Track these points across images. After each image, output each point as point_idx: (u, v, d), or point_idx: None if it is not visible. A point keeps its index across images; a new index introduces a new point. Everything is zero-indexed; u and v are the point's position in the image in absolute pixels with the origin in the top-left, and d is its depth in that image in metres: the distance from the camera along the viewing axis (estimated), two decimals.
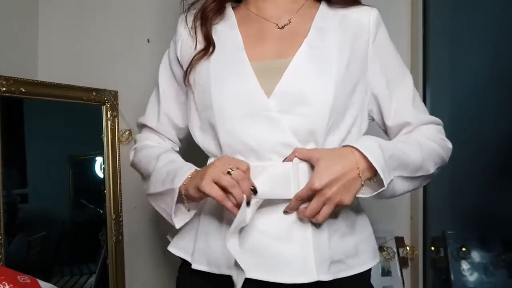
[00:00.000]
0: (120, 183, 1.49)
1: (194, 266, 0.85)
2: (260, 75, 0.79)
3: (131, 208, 1.53)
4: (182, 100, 0.95)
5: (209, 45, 0.86)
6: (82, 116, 1.48)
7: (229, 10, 0.91)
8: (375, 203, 0.95)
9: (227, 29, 0.87)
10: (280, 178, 0.76)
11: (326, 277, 0.78)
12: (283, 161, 0.78)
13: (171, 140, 1.02)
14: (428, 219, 1.51)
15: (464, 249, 1.48)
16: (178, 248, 0.93)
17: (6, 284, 0.83)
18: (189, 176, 0.81)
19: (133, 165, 1.01)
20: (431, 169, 0.87)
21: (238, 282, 0.73)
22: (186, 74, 0.88)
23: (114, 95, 1.50)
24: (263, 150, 0.79)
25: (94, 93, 1.45)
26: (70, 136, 1.44)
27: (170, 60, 0.98)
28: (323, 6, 0.88)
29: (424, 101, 1.52)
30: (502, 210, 1.50)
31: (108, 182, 1.46)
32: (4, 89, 1.24)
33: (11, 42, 1.40)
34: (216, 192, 0.75)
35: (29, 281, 0.88)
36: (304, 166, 0.77)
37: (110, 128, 1.48)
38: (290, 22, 0.86)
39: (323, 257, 0.78)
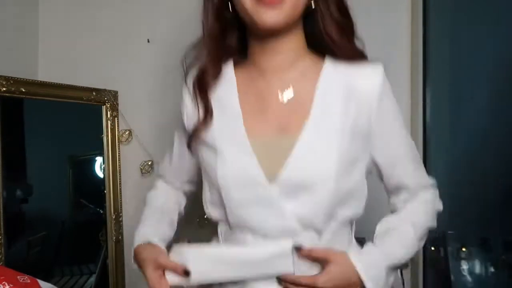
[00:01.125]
0: (120, 183, 1.49)
1: None
2: (262, 155, 0.78)
3: (131, 208, 1.53)
4: (192, 160, 0.95)
5: (208, 115, 0.84)
6: (82, 116, 1.48)
7: (230, 70, 0.87)
8: (376, 203, 0.95)
9: (228, 95, 0.84)
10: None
11: None
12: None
13: (180, 189, 1.06)
14: None
15: (464, 249, 1.48)
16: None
17: (6, 284, 0.84)
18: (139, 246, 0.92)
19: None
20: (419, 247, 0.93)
21: None
22: (190, 146, 0.88)
23: (114, 95, 1.50)
24: (270, 234, 0.79)
25: (94, 93, 1.45)
26: (70, 136, 1.44)
27: (181, 124, 0.95)
28: (326, 67, 0.83)
29: (424, 101, 1.52)
30: (502, 210, 1.50)
31: (108, 182, 1.46)
32: (4, 89, 1.24)
33: (11, 42, 1.40)
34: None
35: (29, 281, 0.88)
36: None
37: (110, 128, 1.48)
38: (292, 89, 0.82)
39: None
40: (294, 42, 0.82)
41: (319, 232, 0.80)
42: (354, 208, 0.84)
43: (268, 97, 0.82)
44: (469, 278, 1.48)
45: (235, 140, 0.80)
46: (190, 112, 0.88)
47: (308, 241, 0.79)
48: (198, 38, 0.88)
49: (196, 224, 1.41)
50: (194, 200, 1.05)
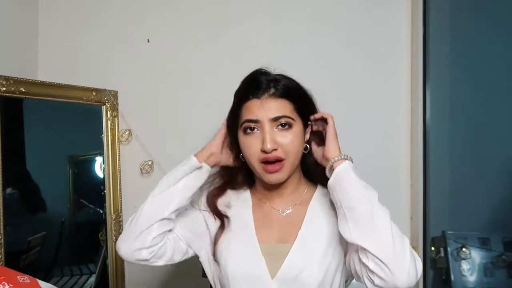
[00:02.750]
0: (120, 183, 1.49)
1: None
2: (267, 257, 0.95)
3: (131, 208, 1.53)
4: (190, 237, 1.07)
5: (225, 225, 1.03)
6: (82, 116, 1.48)
7: (247, 193, 1.07)
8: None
9: (245, 211, 1.03)
10: None
11: None
12: None
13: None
14: (428, 219, 1.51)
15: (464, 249, 1.48)
16: None
17: (6, 284, 0.84)
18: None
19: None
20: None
21: None
22: (214, 251, 1.02)
23: (114, 95, 1.50)
24: None
25: (94, 93, 1.45)
26: (70, 136, 1.44)
27: (196, 216, 1.07)
28: (317, 192, 1.03)
29: (424, 101, 1.52)
30: (502, 210, 1.50)
31: (108, 182, 1.46)
32: (4, 89, 1.24)
33: (11, 42, 1.41)
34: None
35: (29, 281, 0.88)
36: None
37: (110, 128, 1.48)
38: (291, 211, 1.01)
39: None
40: (294, 178, 1.02)
41: None
42: None
43: (272, 214, 1.02)
44: (469, 278, 1.48)
45: (248, 245, 0.97)
46: (209, 218, 1.04)
47: None
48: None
49: None
50: None
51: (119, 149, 1.49)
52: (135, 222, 0.99)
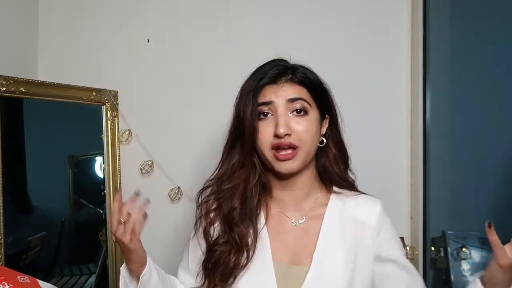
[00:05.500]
0: (120, 183, 1.49)
1: None
2: (280, 280, 0.89)
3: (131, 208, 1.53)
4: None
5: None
6: (82, 116, 1.48)
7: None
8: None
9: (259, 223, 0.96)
10: None
11: None
12: None
13: None
14: (428, 219, 1.51)
15: (464, 249, 1.48)
16: None
17: (6, 284, 0.84)
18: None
19: None
20: None
21: None
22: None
23: (114, 95, 1.50)
24: None
25: (94, 93, 1.45)
26: (70, 136, 1.44)
27: (197, 236, 1.01)
28: (332, 201, 0.96)
29: (424, 101, 1.52)
30: (502, 210, 1.50)
31: (108, 182, 1.46)
32: (4, 89, 1.24)
33: (11, 42, 1.40)
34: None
35: (29, 281, 0.88)
36: None
37: (110, 128, 1.48)
38: (305, 220, 0.95)
39: None
40: (308, 177, 0.95)
41: None
42: None
43: (286, 225, 0.95)
44: (469, 278, 1.48)
45: (262, 266, 0.90)
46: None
47: None
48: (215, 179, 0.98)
49: None
50: None
51: (119, 149, 1.49)
52: None
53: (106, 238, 1.46)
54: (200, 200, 0.98)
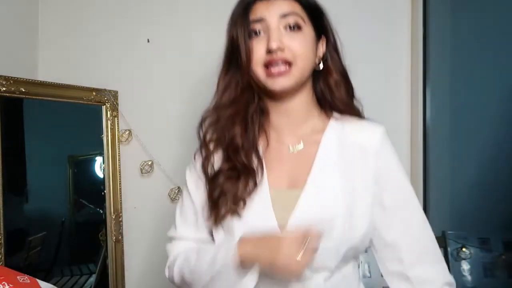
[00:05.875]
0: (120, 183, 1.49)
1: None
2: (276, 205, 0.85)
3: (131, 208, 1.53)
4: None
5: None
6: (82, 116, 1.48)
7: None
8: None
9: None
10: None
11: None
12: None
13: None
14: (428, 219, 1.51)
15: (464, 249, 1.48)
16: None
17: (6, 284, 0.83)
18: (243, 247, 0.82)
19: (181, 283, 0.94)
20: None
21: None
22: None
23: (114, 95, 1.50)
24: (280, 278, 0.83)
25: (94, 93, 1.45)
26: (70, 136, 1.44)
27: (196, 171, 0.98)
28: (330, 126, 0.91)
29: (424, 101, 1.52)
30: (502, 210, 1.50)
31: (108, 182, 1.46)
32: (4, 89, 1.24)
33: (11, 42, 1.40)
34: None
35: (29, 281, 0.88)
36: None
37: (110, 128, 1.48)
38: (302, 147, 0.91)
39: None
40: (305, 100, 0.91)
41: (328, 272, 0.84)
42: (356, 251, 0.87)
43: (282, 151, 0.91)
44: (469, 278, 1.48)
45: (260, 193, 0.87)
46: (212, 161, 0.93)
47: (320, 281, 0.83)
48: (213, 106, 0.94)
49: None
50: None
51: (119, 149, 1.49)
52: None
53: (106, 238, 1.46)
54: (202, 133, 0.94)
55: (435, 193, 1.51)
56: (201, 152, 0.94)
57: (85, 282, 1.42)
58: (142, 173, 1.53)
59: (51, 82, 1.37)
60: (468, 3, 1.56)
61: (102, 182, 1.47)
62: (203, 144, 0.93)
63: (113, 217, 1.47)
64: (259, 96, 0.92)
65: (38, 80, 1.36)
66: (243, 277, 0.81)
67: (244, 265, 0.80)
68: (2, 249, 1.20)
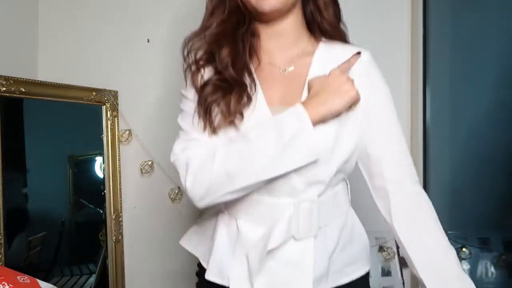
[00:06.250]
0: (120, 183, 1.49)
1: (207, 277, 0.91)
2: None
3: (131, 208, 1.53)
4: None
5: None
6: (82, 116, 1.48)
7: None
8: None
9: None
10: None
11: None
12: None
13: None
14: None
15: (464, 249, 1.48)
16: (191, 245, 1.01)
17: (6, 284, 0.84)
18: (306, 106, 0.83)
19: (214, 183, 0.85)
20: None
21: None
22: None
23: (114, 95, 1.50)
24: (276, 193, 0.86)
25: (94, 93, 1.45)
26: (70, 136, 1.44)
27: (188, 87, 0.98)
28: (320, 48, 0.94)
29: (424, 101, 1.52)
30: (502, 210, 1.50)
31: (108, 182, 1.46)
32: (4, 89, 1.24)
33: (11, 42, 1.40)
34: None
35: (29, 281, 0.88)
36: (305, 206, 0.85)
37: (110, 128, 1.48)
38: (292, 67, 0.92)
39: (321, 273, 0.86)
40: (294, 23, 0.92)
41: (322, 186, 0.86)
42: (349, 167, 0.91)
43: (274, 73, 0.92)
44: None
45: (259, 105, 0.87)
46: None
47: (314, 196, 0.86)
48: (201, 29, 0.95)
49: None
50: None
51: (119, 149, 1.49)
52: None
53: (106, 238, 1.46)
54: (186, 51, 0.95)
55: (435, 193, 1.51)
56: (190, 69, 0.95)
57: (85, 282, 1.42)
58: (142, 173, 1.53)
59: (51, 82, 1.37)
60: (468, 3, 1.56)
61: (102, 182, 1.47)
62: (193, 62, 0.94)
63: (113, 217, 1.47)
64: (249, 20, 0.92)
65: (38, 80, 1.36)
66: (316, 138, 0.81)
67: (315, 122, 0.81)
68: (2, 249, 1.20)
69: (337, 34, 0.96)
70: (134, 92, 1.54)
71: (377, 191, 0.91)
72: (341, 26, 0.98)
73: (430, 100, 1.52)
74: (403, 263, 1.50)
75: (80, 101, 1.43)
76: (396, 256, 1.49)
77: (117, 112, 1.50)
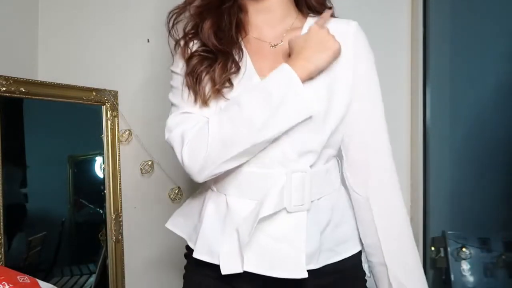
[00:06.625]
0: (120, 183, 1.49)
1: (196, 255, 0.90)
2: None
3: (131, 208, 1.53)
4: None
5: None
6: (82, 116, 1.48)
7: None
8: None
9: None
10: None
11: (315, 266, 0.86)
12: None
13: None
14: (428, 219, 1.51)
15: (464, 249, 1.48)
16: (177, 227, 1.00)
17: (6, 284, 0.84)
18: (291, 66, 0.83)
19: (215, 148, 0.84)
20: None
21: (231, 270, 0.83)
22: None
23: (114, 95, 1.50)
24: (268, 164, 0.86)
25: (94, 93, 1.45)
26: (70, 136, 1.44)
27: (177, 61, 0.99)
28: (308, 23, 0.95)
29: (424, 101, 1.52)
30: (502, 210, 1.50)
31: (108, 182, 1.46)
32: (4, 89, 1.24)
33: (11, 42, 1.40)
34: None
35: (29, 281, 0.88)
36: (297, 177, 0.85)
37: (110, 128, 1.48)
38: (281, 42, 0.94)
39: (313, 249, 0.86)
40: (283, 0, 0.94)
41: (314, 156, 0.87)
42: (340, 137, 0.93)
43: (263, 48, 0.94)
44: (469, 278, 1.48)
45: (249, 76, 0.88)
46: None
47: (306, 167, 0.86)
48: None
49: None
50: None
51: (119, 149, 1.49)
52: None
53: (106, 238, 1.46)
54: (171, 23, 0.95)
55: (435, 193, 1.52)
56: (179, 44, 0.94)
57: (85, 282, 1.42)
58: (142, 173, 1.53)
59: (51, 82, 1.37)
60: (468, 3, 1.56)
61: (102, 182, 1.47)
62: (182, 36, 0.93)
63: (113, 217, 1.47)
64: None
65: (38, 80, 1.36)
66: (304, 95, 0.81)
67: (303, 78, 0.82)
68: (2, 249, 1.20)
69: (323, 9, 0.97)
70: (134, 92, 1.54)
71: (354, 162, 0.93)
72: (327, 2, 1.01)
73: (430, 100, 1.52)
74: None
75: (80, 101, 1.43)
76: None
77: (117, 112, 1.50)
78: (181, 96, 0.90)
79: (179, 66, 0.93)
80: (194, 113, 0.88)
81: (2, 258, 1.20)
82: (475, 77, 1.52)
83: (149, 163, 1.53)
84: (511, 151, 1.49)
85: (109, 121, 1.48)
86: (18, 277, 0.88)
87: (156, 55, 1.55)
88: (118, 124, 1.50)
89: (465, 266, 1.48)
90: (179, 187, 1.54)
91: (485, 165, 1.52)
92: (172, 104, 0.94)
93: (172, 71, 0.96)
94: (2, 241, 1.20)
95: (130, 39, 1.55)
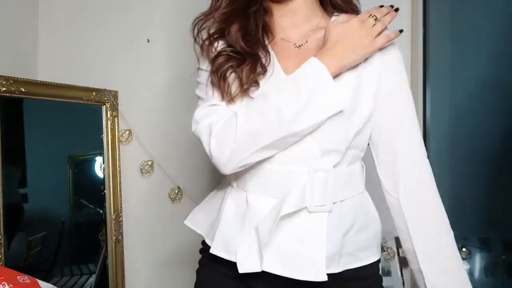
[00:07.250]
0: (120, 183, 1.49)
1: (213, 251, 0.89)
2: None
3: (131, 208, 1.53)
4: None
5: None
6: (82, 116, 1.48)
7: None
8: (375, 203, 0.96)
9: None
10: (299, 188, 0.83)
11: (335, 270, 0.84)
12: None
13: None
14: None
15: (464, 249, 1.48)
16: (195, 224, 0.99)
17: (6, 284, 0.84)
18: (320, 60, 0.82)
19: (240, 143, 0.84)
20: None
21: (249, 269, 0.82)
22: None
23: (114, 95, 1.50)
24: (290, 161, 0.85)
25: (94, 93, 1.45)
26: (70, 136, 1.44)
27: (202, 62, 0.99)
28: (334, 19, 0.94)
29: (424, 101, 1.52)
30: (502, 210, 1.50)
31: (108, 182, 1.46)
32: (4, 89, 1.24)
33: (11, 42, 1.40)
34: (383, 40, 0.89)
35: (29, 281, 0.88)
36: (320, 176, 0.83)
37: (110, 128, 1.48)
38: (306, 42, 0.93)
39: (334, 252, 0.84)
40: (306, 0, 0.93)
41: (338, 156, 0.86)
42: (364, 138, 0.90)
43: (288, 47, 0.93)
44: (469, 278, 1.48)
45: (277, 75, 0.87)
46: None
47: (329, 166, 0.84)
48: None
49: None
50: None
51: (119, 149, 1.49)
52: None
53: (106, 238, 1.46)
54: (196, 30, 0.94)
55: None
56: (203, 46, 0.93)
57: (85, 282, 1.42)
58: (142, 173, 1.53)
59: (51, 82, 1.37)
60: (468, 2, 1.56)
61: (102, 182, 1.47)
62: (207, 37, 0.92)
63: (113, 217, 1.47)
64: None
65: (38, 80, 1.36)
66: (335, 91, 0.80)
67: (332, 74, 0.81)
68: (2, 249, 1.20)
69: (349, 8, 0.96)
70: (134, 92, 1.54)
71: (384, 164, 0.91)
72: (353, 0, 0.98)
73: (430, 100, 1.52)
74: (403, 263, 1.50)
75: (80, 101, 1.43)
76: (396, 256, 1.49)
77: (117, 112, 1.50)
78: (206, 91, 0.91)
79: (205, 64, 0.93)
80: (221, 106, 0.88)
81: (2, 258, 1.20)
82: (475, 77, 1.52)
83: (149, 163, 1.53)
84: (511, 151, 1.49)
85: (109, 121, 1.48)
86: (18, 277, 0.88)
87: (156, 55, 1.55)
88: (118, 124, 1.50)
89: (465, 266, 1.48)
90: (179, 187, 1.54)
91: (485, 165, 1.52)
92: (199, 98, 0.94)
93: (199, 68, 0.96)
94: (2, 241, 1.20)
95: (130, 39, 1.55)
